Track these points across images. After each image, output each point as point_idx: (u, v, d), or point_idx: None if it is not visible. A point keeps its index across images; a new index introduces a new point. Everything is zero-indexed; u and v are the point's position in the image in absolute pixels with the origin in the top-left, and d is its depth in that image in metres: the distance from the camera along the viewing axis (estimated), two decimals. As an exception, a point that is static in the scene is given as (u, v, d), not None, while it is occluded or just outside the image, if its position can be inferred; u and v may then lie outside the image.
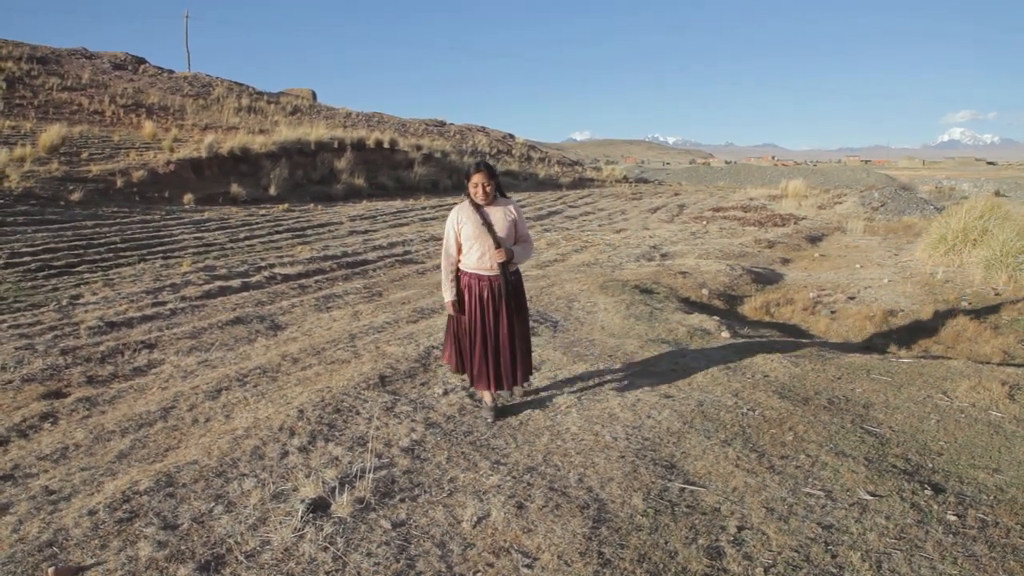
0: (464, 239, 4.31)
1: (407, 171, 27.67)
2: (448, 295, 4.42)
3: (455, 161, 30.94)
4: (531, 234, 4.70)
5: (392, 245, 13.90)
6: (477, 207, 4.30)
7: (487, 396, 4.60)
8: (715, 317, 7.94)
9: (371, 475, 3.58)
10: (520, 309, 4.48)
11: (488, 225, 4.26)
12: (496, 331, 4.38)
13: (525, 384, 4.77)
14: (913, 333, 8.32)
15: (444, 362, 4.79)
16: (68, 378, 5.88)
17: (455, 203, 21.82)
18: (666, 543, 3.02)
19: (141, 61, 34.49)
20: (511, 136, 47.43)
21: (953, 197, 28.49)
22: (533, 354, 5.13)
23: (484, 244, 4.25)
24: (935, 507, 3.35)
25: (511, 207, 4.41)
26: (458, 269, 4.42)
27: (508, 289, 4.33)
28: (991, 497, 3.48)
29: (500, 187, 4.41)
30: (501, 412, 4.61)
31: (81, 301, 8.40)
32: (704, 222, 19.84)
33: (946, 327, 8.42)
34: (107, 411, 5.12)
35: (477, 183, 4.25)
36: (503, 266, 4.27)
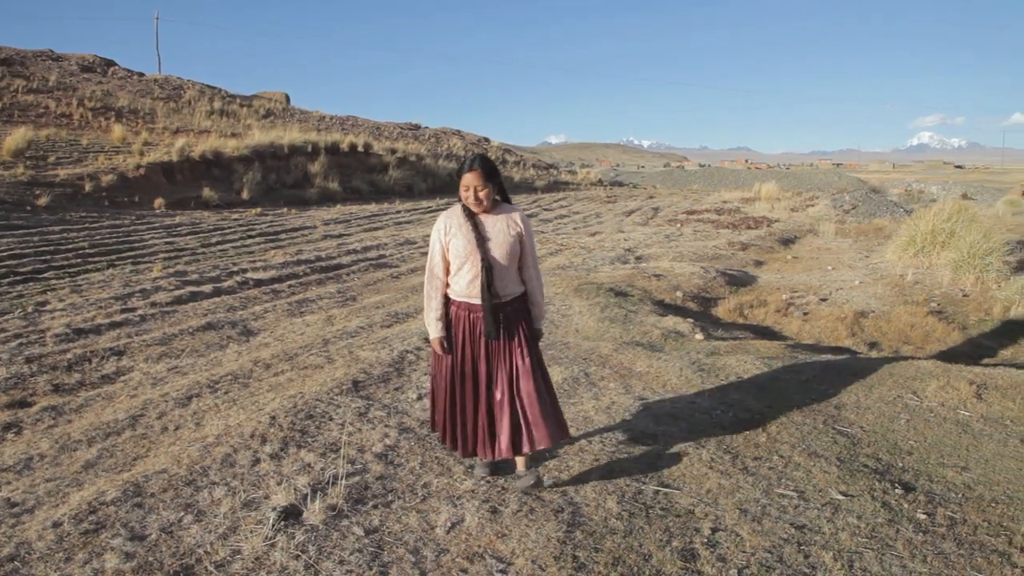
0: (453, 255, 3.36)
1: (381, 175, 27.56)
2: (433, 329, 3.45)
3: (430, 165, 30.88)
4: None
5: (366, 249, 13.81)
6: (471, 215, 3.37)
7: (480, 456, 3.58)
8: (689, 319, 7.99)
9: (344, 481, 3.54)
10: (529, 346, 3.44)
11: (481, 240, 3.32)
12: (491, 379, 3.42)
13: (540, 447, 3.47)
14: (883, 334, 8.43)
15: (436, 432, 3.75)
16: (33, 387, 5.75)
17: (430, 207, 21.63)
18: (640, 546, 3.01)
19: (110, 63, 34.01)
20: (486, 140, 47.47)
21: (922, 200, 28.97)
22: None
23: (477, 264, 3.31)
24: (905, 506, 3.39)
25: (516, 217, 3.43)
26: (447, 295, 3.49)
27: (495, 325, 3.35)
28: (959, 495, 3.52)
29: (503, 190, 3.48)
30: (495, 468, 3.69)
31: (48, 308, 8.24)
32: (678, 225, 19.98)
33: (915, 328, 8.55)
34: (74, 420, 5.02)
35: (469, 186, 3.27)
36: (489, 291, 3.30)
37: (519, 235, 3.42)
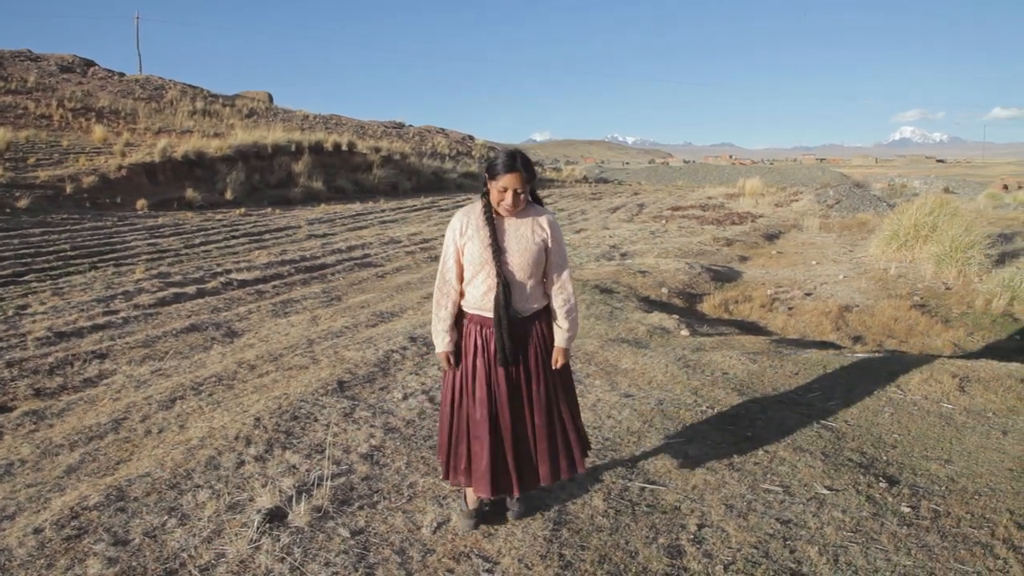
0: (467, 261, 2.93)
1: (366, 174, 27.45)
2: (440, 342, 3.02)
3: (414, 163, 30.79)
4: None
5: (351, 249, 13.76)
6: (491, 217, 2.92)
7: (470, 496, 3.17)
8: (674, 315, 8.00)
9: (329, 483, 3.52)
10: (547, 372, 3.02)
11: (498, 248, 2.87)
12: (500, 406, 2.97)
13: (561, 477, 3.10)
14: (868, 328, 8.49)
15: (439, 462, 3.39)
16: (14, 391, 5.68)
17: (415, 205, 21.49)
18: (627, 543, 3.02)
19: (90, 63, 33.63)
20: (471, 138, 47.35)
21: (905, 194, 29.21)
22: None
23: (493, 276, 2.89)
24: (890, 499, 3.41)
25: (543, 220, 2.97)
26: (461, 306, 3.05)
27: (511, 350, 2.90)
28: (943, 488, 3.55)
29: (535, 191, 3.04)
30: (487, 515, 3.22)
31: (28, 311, 8.14)
32: (663, 221, 20.03)
33: (899, 321, 8.61)
34: (55, 424, 4.96)
35: (507, 188, 2.82)
36: (507, 309, 2.87)
37: (544, 242, 2.96)
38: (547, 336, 3.05)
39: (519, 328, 2.95)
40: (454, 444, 3.06)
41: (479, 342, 2.97)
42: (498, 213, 2.93)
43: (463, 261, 2.96)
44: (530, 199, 3.00)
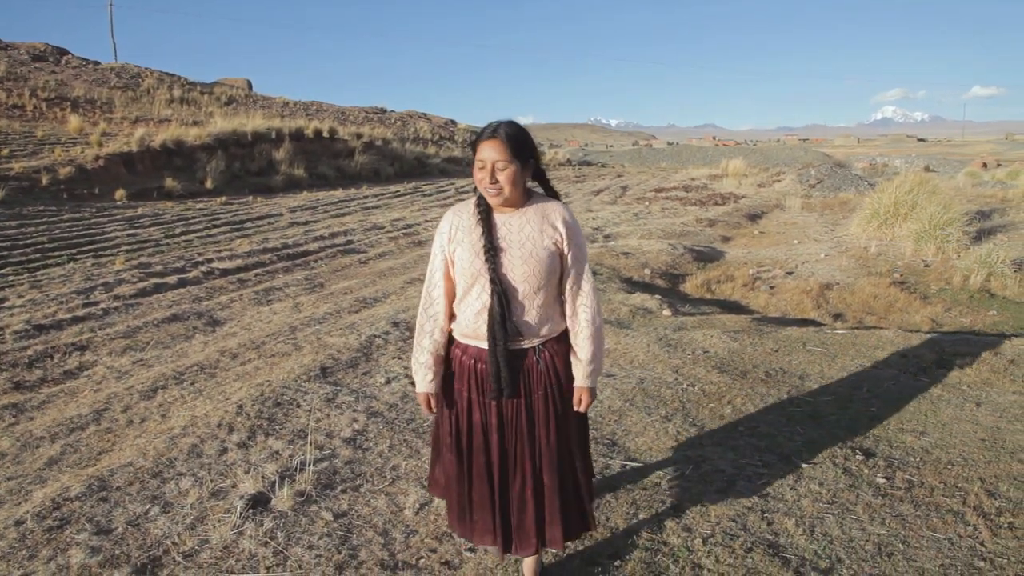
0: (458, 272, 2.32)
1: (348, 160, 27.26)
2: (422, 380, 2.43)
3: (396, 149, 30.62)
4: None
5: (334, 235, 13.69)
6: (486, 212, 2.30)
7: (492, 550, 2.63)
8: (657, 296, 8.05)
9: (312, 467, 3.53)
10: (558, 418, 2.37)
11: (493, 250, 2.25)
12: (507, 459, 2.39)
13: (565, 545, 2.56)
14: (848, 305, 8.58)
15: (432, 492, 2.80)
16: (-6, 384, 5.64)
17: (398, 191, 21.46)
18: (607, 519, 3.05)
19: (63, 52, 33.10)
20: (453, 122, 47.13)
21: (886, 173, 29.39)
22: None
23: (488, 288, 2.26)
24: (865, 471, 3.47)
25: (556, 216, 2.32)
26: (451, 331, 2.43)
27: (508, 381, 2.29)
28: (917, 459, 3.62)
29: (543, 176, 2.40)
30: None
31: (6, 304, 8.05)
32: (646, 203, 20.07)
33: (879, 298, 8.70)
34: (36, 417, 4.93)
35: (485, 162, 2.20)
36: (504, 329, 2.24)
37: (557, 245, 2.30)
38: (562, 372, 2.38)
39: (521, 360, 2.32)
40: (454, 490, 2.51)
41: (474, 380, 2.35)
42: (492, 206, 2.31)
43: (454, 274, 2.35)
44: (536, 187, 2.41)
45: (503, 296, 2.22)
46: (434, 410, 2.46)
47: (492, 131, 2.20)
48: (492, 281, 2.22)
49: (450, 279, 2.36)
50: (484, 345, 2.29)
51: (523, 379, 2.32)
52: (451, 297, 2.38)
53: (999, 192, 18.47)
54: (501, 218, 2.30)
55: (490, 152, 2.18)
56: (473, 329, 2.30)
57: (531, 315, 2.29)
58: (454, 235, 2.33)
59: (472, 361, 2.34)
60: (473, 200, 2.35)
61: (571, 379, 2.39)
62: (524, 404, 2.33)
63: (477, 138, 2.24)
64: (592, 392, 2.39)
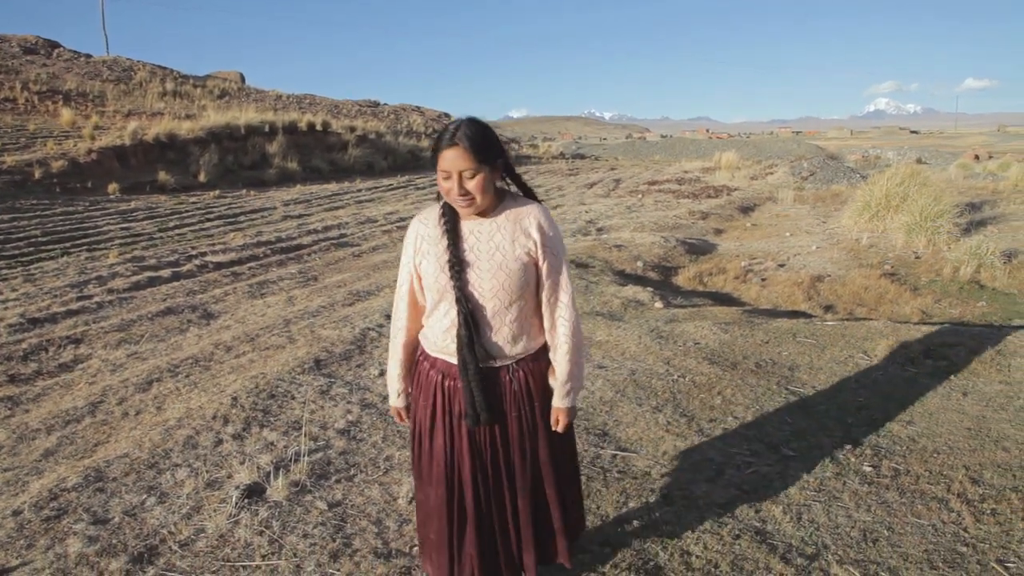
0: (426, 287, 2.18)
1: (341, 153, 27.24)
2: (393, 393, 2.37)
3: (390, 142, 30.58)
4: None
5: (327, 229, 13.70)
6: (453, 220, 2.13)
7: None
8: (649, 288, 8.09)
9: (306, 458, 3.57)
10: (532, 438, 2.23)
11: (459, 264, 2.08)
12: (479, 482, 2.22)
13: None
14: (839, 297, 8.64)
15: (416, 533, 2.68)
16: (-12, 377, 5.66)
17: (391, 184, 21.46)
18: (598, 508, 3.10)
19: (55, 45, 32.91)
20: (447, 115, 47.03)
21: (878, 166, 29.50)
22: None
23: (455, 305, 2.10)
24: (852, 460, 3.53)
25: (530, 221, 2.11)
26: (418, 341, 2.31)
27: (482, 406, 2.11)
28: (904, 447, 3.67)
29: (516, 175, 2.21)
30: None
31: (0, 298, 8.06)
32: (639, 196, 20.11)
33: (869, 290, 8.77)
34: (31, 409, 4.96)
35: (449, 172, 1.99)
36: (472, 351, 2.08)
37: (530, 255, 2.11)
38: (536, 394, 2.22)
39: (495, 381, 2.16)
40: (421, 515, 2.38)
41: (443, 397, 2.19)
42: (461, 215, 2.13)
43: (422, 287, 2.20)
44: (508, 189, 2.20)
45: (470, 316, 2.07)
46: (407, 422, 2.40)
47: (451, 137, 1.97)
48: (458, 300, 2.07)
49: (413, 293, 2.24)
50: (453, 360, 2.14)
51: (499, 398, 2.17)
52: (418, 310, 2.27)
53: (990, 184, 18.56)
54: (469, 225, 2.12)
55: (454, 161, 1.97)
56: (442, 346, 2.16)
57: (502, 334, 2.13)
58: (420, 246, 2.18)
59: (439, 376, 2.20)
60: (437, 209, 2.17)
61: (548, 399, 2.24)
62: (499, 428, 2.18)
63: (436, 144, 2.02)
64: (570, 412, 2.23)
